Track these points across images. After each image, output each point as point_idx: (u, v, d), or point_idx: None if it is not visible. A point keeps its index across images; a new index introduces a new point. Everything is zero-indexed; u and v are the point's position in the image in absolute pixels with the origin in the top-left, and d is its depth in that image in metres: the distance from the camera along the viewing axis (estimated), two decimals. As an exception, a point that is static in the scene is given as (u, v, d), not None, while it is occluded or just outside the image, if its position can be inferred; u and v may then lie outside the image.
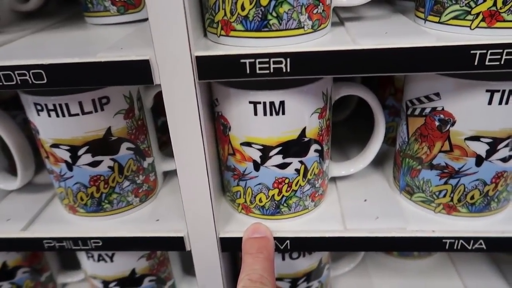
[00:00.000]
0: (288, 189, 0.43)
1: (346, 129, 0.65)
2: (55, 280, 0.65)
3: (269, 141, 0.40)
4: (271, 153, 0.40)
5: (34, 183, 0.55)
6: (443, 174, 0.42)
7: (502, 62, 0.32)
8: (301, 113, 0.39)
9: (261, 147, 0.40)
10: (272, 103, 0.38)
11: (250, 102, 0.38)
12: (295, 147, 0.41)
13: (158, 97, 0.49)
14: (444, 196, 0.43)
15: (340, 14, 0.45)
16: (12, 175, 0.52)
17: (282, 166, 0.41)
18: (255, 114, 0.39)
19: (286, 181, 0.42)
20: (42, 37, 0.47)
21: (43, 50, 0.41)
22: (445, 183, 0.42)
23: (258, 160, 0.41)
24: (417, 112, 0.42)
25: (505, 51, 0.32)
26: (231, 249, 0.45)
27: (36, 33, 0.49)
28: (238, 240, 0.44)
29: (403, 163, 0.46)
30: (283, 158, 0.41)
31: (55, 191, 0.51)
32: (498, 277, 0.62)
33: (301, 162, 0.42)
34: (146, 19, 0.50)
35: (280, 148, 0.40)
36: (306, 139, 0.40)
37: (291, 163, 0.41)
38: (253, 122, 0.39)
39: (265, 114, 0.38)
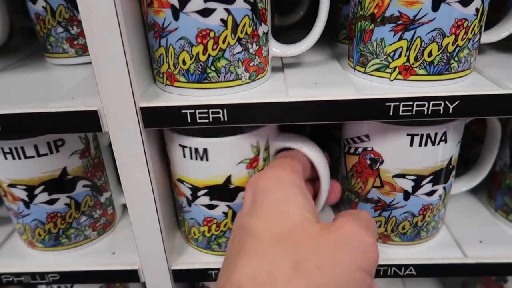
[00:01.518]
0: (217, 229, 0.46)
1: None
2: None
3: (197, 183, 0.43)
4: (199, 193, 0.44)
5: (-6, 217, 0.57)
6: (377, 207, 0.46)
7: (413, 113, 0.36)
8: (224, 161, 0.42)
9: (190, 186, 0.44)
10: (196, 149, 0.41)
11: (180, 145, 0.42)
12: (220, 192, 0.43)
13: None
14: (379, 227, 0.47)
15: (284, 60, 0.48)
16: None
17: (210, 207, 0.44)
18: (184, 156, 0.42)
19: (215, 221, 0.45)
20: (2, 78, 0.49)
21: (1, 95, 0.43)
22: (379, 215, 0.46)
23: (190, 197, 0.45)
24: (352, 151, 0.46)
25: (415, 103, 0.36)
26: (184, 280, 0.48)
27: (-3, 74, 0.51)
28: (191, 272, 0.46)
29: (343, 196, 0.50)
30: (210, 200, 0.44)
31: (13, 226, 0.53)
32: (443, 295, 0.66)
33: (228, 206, 0.45)
34: (103, 61, 0.53)
35: (206, 190, 0.43)
36: (232, 186, 0.43)
37: (218, 205, 0.44)
38: (183, 164, 0.43)
39: (191, 158, 0.42)
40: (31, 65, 0.54)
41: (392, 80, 0.39)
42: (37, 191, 0.45)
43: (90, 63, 0.49)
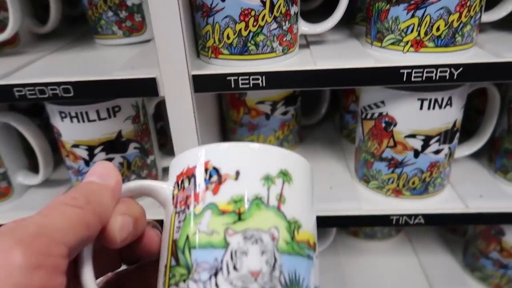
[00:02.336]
0: None
1: (316, 132, 0.75)
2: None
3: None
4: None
5: (49, 179, 0.64)
6: (390, 165, 0.53)
7: (423, 79, 0.43)
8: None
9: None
10: None
11: None
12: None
13: (158, 106, 0.59)
14: (392, 182, 0.54)
15: (308, 38, 0.55)
16: (31, 172, 0.61)
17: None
18: None
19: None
20: (60, 57, 0.56)
21: (66, 69, 0.51)
22: (392, 172, 0.53)
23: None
24: (369, 116, 0.53)
25: (425, 70, 0.43)
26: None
27: (54, 53, 0.58)
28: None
29: (360, 157, 0.57)
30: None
31: (71, 184, 0.61)
32: (448, 253, 0.73)
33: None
34: (147, 41, 0.60)
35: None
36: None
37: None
38: None
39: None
40: (82, 46, 0.61)
41: (405, 52, 0.45)
42: (96, 151, 0.52)
43: (135, 43, 0.57)
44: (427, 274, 0.70)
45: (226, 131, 0.68)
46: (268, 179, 0.25)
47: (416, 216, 0.52)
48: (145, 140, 0.56)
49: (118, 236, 0.24)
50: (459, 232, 0.76)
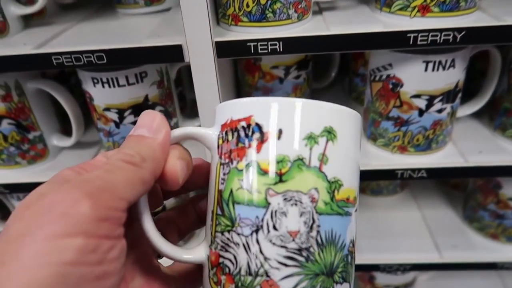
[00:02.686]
0: None
1: (327, 95, 0.79)
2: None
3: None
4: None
5: (80, 142, 0.69)
6: (396, 123, 0.57)
7: (428, 42, 0.47)
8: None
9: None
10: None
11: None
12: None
13: (179, 72, 0.63)
14: (398, 140, 0.58)
15: (321, 5, 0.58)
16: (64, 135, 0.66)
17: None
18: None
19: None
20: (88, 26, 0.60)
21: (95, 37, 0.54)
22: (398, 130, 0.57)
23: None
24: (377, 78, 0.57)
25: (430, 34, 0.46)
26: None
27: (81, 23, 0.62)
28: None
29: (368, 117, 0.61)
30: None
31: (100, 146, 0.66)
32: (449, 207, 0.78)
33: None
34: (167, 9, 0.63)
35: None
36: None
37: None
38: None
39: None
40: (106, 16, 0.65)
41: (412, 17, 0.49)
42: (125, 113, 0.57)
43: (156, 12, 0.61)
44: (429, 226, 0.76)
45: (242, 95, 0.72)
46: (311, 138, 0.25)
47: (419, 170, 0.57)
48: (168, 104, 0.61)
49: (180, 179, 0.26)
50: (459, 188, 0.81)
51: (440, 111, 0.55)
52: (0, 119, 0.58)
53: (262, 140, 0.25)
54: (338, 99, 0.76)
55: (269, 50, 0.48)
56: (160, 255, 0.29)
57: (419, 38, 0.47)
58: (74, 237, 0.20)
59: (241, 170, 0.26)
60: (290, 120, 0.25)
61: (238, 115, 0.26)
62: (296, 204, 0.25)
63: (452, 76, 0.53)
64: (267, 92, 0.68)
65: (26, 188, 0.63)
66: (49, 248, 0.19)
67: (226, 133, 0.27)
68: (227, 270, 0.26)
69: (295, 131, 0.25)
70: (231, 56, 0.50)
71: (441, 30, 0.46)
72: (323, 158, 0.25)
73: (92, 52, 0.49)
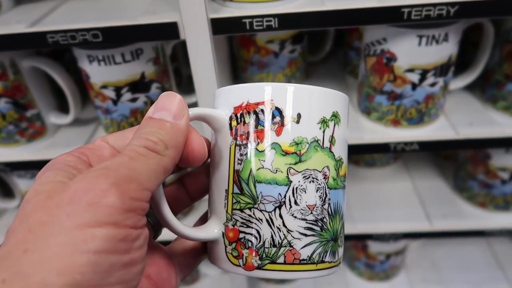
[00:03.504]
0: None
1: (322, 69, 0.79)
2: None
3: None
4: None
5: (78, 119, 0.69)
6: (390, 97, 0.58)
7: (422, 17, 0.47)
8: None
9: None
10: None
11: None
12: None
13: (174, 48, 0.63)
14: (391, 113, 0.59)
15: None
16: (62, 112, 0.67)
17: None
18: None
19: None
20: (80, 2, 0.59)
21: (89, 14, 0.54)
22: (392, 104, 0.59)
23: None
24: (371, 53, 0.57)
25: (424, 8, 0.47)
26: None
27: (73, 0, 0.61)
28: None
29: (363, 91, 0.62)
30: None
31: (98, 123, 0.66)
32: (440, 178, 0.81)
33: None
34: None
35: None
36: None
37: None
38: None
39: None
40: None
41: (406, -9, 0.49)
42: (123, 91, 0.58)
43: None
44: (420, 196, 0.78)
45: (237, 69, 0.72)
46: (324, 122, 0.28)
47: (411, 143, 0.59)
48: (165, 80, 0.61)
49: (206, 155, 0.28)
50: (451, 158, 0.83)
51: (433, 85, 0.56)
52: (-3, 98, 0.59)
53: (283, 123, 0.28)
54: (333, 73, 0.77)
55: (265, 27, 0.49)
56: (173, 233, 0.29)
57: (413, 13, 0.47)
58: (104, 227, 0.20)
59: (262, 151, 0.28)
60: (307, 105, 0.28)
61: (256, 99, 0.28)
62: (313, 181, 0.28)
63: (446, 50, 0.53)
64: (262, 67, 0.68)
65: (27, 165, 0.64)
66: (80, 237, 0.20)
67: (242, 115, 0.29)
68: (249, 244, 0.28)
69: (312, 116, 0.28)
70: (226, 32, 0.50)
71: (434, 5, 0.46)
72: (332, 140, 0.29)
73: (88, 30, 0.49)
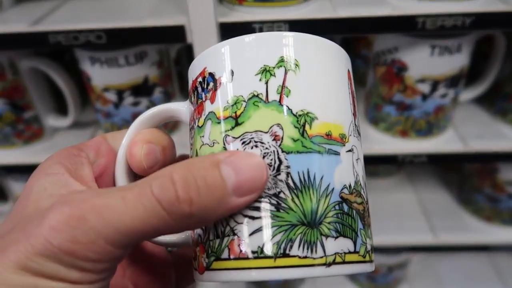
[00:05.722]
0: None
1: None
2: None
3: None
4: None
5: (77, 121, 0.67)
6: (399, 108, 0.57)
7: (437, 27, 0.46)
8: None
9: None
10: None
11: None
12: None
13: (178, 51, 0.62)
14: (400, 124, 0.58)
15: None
16: (60, 115, 0.65)
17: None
18: None
19: None
20: (82, 3, 0.57)
21: (93, 15, 0.52)
22: (401, 115, 0.57)
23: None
24: (382, 62, 0.56)
25: (439, 18, 0.45)
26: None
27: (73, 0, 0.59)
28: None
29: (371, 101, 0.61)
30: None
31: (96, 126, 0.65)
32: (444, 190, 0.79)
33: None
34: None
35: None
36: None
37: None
38: None
39: None
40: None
41: (420, 1, 0.48)
42: (125, 94, 0.56)
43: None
44: (424, 208, 0.77)
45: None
46: (265, 71, 0.23)
47: (420, 155, 0.57)
48: (168, 85, 0.60)
49: (145, 163, 0.25)
50: (454, 170, 0.82)
51: (443, 96, 0.55)
52: (-5, 98, 0.57)
53: (215, 88, 0.23)
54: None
55: (275, 32, 0.47)
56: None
57: (428, 23, 0.46)
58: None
59: (201, 127, 0.24)
60: (240, 58, 0.23)
61: (195, 73, 0.25)
62: (256, 146, 0.22)
63: (458, 61, 0.52)
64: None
65: (23, 169, 0.62)
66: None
67: (190, 97, 0.25)
68: (199, 239, 0.23)
69: (247, 68, 0.23)
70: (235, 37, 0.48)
71: (450, 15, 0.45)
72: (282, 90, 0.22)
73: (91, 31, 0.47)
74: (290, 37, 0.23)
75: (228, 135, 0.22)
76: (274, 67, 0.22)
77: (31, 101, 0.60)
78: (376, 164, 0.79)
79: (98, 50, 0.52)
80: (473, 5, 0.47)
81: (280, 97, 0.22)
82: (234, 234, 0.21)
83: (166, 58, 0.58)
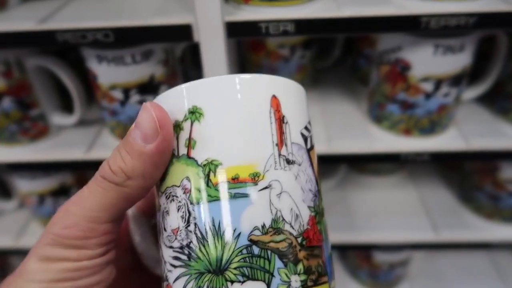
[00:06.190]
0: None
1: (330, 76, 0.79)
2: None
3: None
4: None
5: (82, 119, 0.67)
6: (402, 107, 0.57)
7: (440, 26, 0.46)
8: None
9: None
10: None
11: None
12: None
13: (183, 50, 0.62)
14: (403, 123, 0.59)
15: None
16: (66, 113, 0.65)
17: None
18: None
19: None
20: (89, 2, 0.58)
21: (99, 13, 0.53)
22: (404, 113, 0.58)
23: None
24: (385, 61, 0.56)
25: (443, 18, 0.46)
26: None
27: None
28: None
29: (374, 99, 0.61)
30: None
31: (102, 124, 0.65)
32: (445, 188, 0.80)
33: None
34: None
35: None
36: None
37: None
38: None
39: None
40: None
41: (424, 0, 0.48)
42: (131, 93, 0.56)
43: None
44: (425, 206, 0.77)
45: (247, 72, 0.71)
46: (175, 127, 0.24)
47: (423, 154, 0.58)
48: (173, 82, 0.60)
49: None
50: (455, 169, 0.83)
51: (446, 95, 0.55)
52: (1, 96, 0.57)
53: None
54: (341, 80, 0.76)
55: (281, 31, 0.48)
56: None
57: (432, 22, 0.46)
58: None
59: None
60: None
61: None
62: (173, 200, 0.23)
63: (461, 60, 0.53)
64: (271, 71, 0.67)
65: (28, 166, 0.62)
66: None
67: None
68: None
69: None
70: (241, 36, 0.49)
71: (454, 15, 0.46)
72: (190, 143, 0.23)
73: (99, 29, 0.48)
74: (191, 87, 0.24)
75: (157, 190, 0.25)
76: (182, 121, 0.23)
77: (37, 99, 0.60)
78: (379, 163, 0.80)
79: (104, 48, 0.53)
80: (476, 5, 0.48)
81: (188, 150, 0.23)
82: (167, 279, 0.24)
83: (172, 57, 0.59)
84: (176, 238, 0.23)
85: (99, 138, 0.65)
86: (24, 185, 0.70)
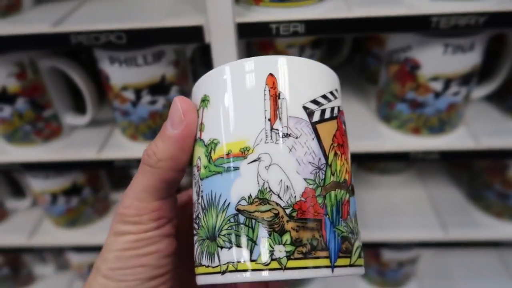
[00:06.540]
0: None
1: (338, 75, 0.79)
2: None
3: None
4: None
5: (94, 119, 0.68)
6: (412, 106, 0.58)
7: (450, 25, 0.47)
8: None
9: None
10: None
11: None
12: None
13: (193, 51, 0.63)
14: (412, 122, 0.59)
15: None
16: (77, 113, 0.66)
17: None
18: None
19: None
20: (101, 4, 0.59)
21: (112, 15, 0.54)
22: (413, 112, 0.58)
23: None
24: (394, 60, 0.57)
25: (453, 18, 0.46)
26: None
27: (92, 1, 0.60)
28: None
29: (383, 99, 0.62)
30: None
31: (113, 124, 0.66)
32: (454, 186, 0.80)
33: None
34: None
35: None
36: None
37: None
38: None
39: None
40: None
41: (434, 0, 0.48)
42: (143, 93, 0.57)
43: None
44: (434, 204, 0.78)
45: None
46: (198, 116, 0.28)
47: (433, 153, 0.58)
48: (184, 83, 0.61)
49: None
50: (464, 167, 0.83)
51: (456, 94, 0.55)
52: (16, 97, 0.58)
53: None
54: (350, 79, 0.76)
55: (291, 32, 0.48)
56: None
57: (442, 22, 0.47)
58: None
59: None
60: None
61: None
62: (194, 178, 0.28)
63: (471, 59, 0.53)
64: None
65: (41, 166, 0.63)
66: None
67: None
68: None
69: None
70: (251, 37, 0.49)
71: (464, 14, 0.46)
72: (201, 127, 0.27)
73: (112, 31, 0.49)
74: (204, 78, 0.28)
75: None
76: (199, 109, 0.27)
77: (50, 100, 0.61)
78: (388, 161, 0.80)
79: (117, 50, 0.54)
80: (486, 4, 0.48)
81: (200, 133, 0.27)
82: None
83: (182, 58, 0.59)
84: (194, 210, 0.27)
85: (110, 138, 0.66)
86: (37, 184, 0.71)
